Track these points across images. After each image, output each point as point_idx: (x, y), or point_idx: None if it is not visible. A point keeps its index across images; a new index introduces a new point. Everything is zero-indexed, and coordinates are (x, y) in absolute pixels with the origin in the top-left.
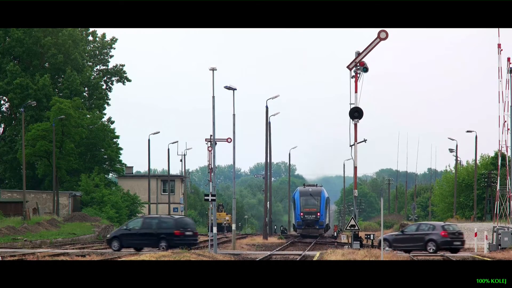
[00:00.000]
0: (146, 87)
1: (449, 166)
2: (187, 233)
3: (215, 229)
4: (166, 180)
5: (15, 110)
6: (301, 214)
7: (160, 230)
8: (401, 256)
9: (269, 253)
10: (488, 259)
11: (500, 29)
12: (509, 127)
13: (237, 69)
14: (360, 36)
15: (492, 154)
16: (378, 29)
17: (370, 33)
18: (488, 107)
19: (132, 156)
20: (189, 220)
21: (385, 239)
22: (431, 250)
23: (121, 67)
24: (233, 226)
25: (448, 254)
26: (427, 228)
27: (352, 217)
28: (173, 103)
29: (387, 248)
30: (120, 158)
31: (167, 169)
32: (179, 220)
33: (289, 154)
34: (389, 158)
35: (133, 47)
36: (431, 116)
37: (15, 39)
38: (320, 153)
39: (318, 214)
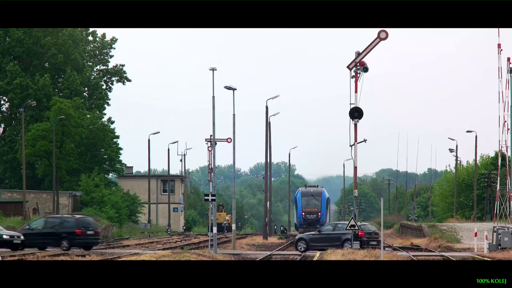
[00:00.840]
0: (146, 87)
1: (449, 166)
2: (89, 232)
3: (215, 229)
4: (166, 180)
5: (15, 110)
6: (303, 213)
7: (62, 229)
8: (401, 256)
9: (269, 253)
10: (488, 259)
11: (500, 29)
12: (509, 127)
13: (237, 69)
14: (360, 36)
15: (492, 154)
16: (378, 29)
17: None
18: (488, 107)
19: (132, 156)
20: (90, 219)
21: (302, 239)
22: (347, 248)
23: (121, 67)
24: (233, 226)
25: (447, 254)
26: (344, 227)
27: (352, 217)
28: (173, 103)
29: (387, 249)
30: (120, 158)
31: (167, 169)
32: (80, 219)
33: (289, 154)
34: (389, 158)
35: (133, 47)
36: (431, 116)
37: (15, 39)
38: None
39: (319, 213)
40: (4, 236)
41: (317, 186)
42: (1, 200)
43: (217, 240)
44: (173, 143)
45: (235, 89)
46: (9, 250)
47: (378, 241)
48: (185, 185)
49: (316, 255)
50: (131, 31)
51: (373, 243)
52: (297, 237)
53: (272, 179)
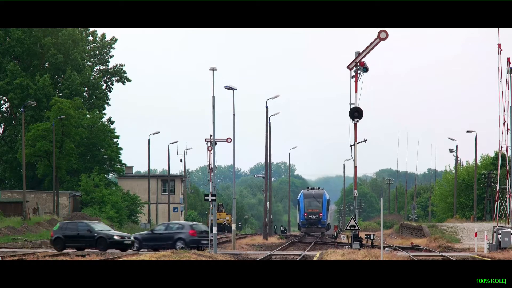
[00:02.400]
0: (146, 87)
1: (449, 166)
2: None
3: (215, 229)
4: (166, 180)
5: (15, 110)
6: (305, 214)
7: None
8: (401, 256)
9: (269, 253)
10: (488, 259)
11: (500, 29)
12: (509, 127)
13: (237, 69)
14: (360, 36)
15: (492, 154)
16: (378, 29)
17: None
18: (488, 107)
19: (132, 156)
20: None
21: (136, 238)
22: (178, 248)
23: (121, 67)
24: (233, 226)
25: (447, 254)
26: (176, 227)
27: (352, 217)
28: (173, 103)
29: (387, 249)
30: (120, 158)
31: (167, 169)
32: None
33: (289, 154)
34: (389, 158)
35: (133, 47)
36: (431, 116)
37: (15, 39)
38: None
39: (320, 214)
40: (115, 237)
41: (319, 188)
42: (1, 200)
43: (217, 240)
44: (173, 143)
45: (235, 89)
46: (118, 251)
47: (210, 240)
48: (185, 185)
49: (316, 255)
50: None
51: (204, 242)
52: (132, 237)
53: (272, 179)
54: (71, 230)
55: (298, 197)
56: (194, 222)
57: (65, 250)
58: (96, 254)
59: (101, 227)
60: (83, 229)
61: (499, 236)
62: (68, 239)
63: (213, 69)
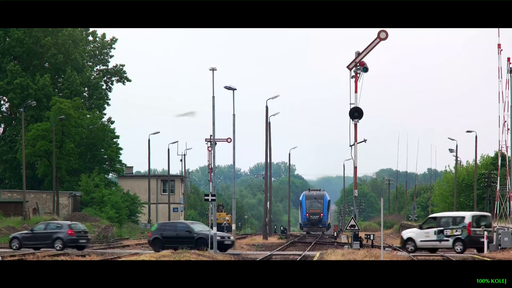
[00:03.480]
0: (146, 87)
1: (449, 166)
2: None
3: (215, 229)
4: (166, 180)
5: (15, 110)
6: (307, 214)
7: None
8: (401, 256)
9: (269, 253)
10: (488, 259)
11: (500, 29)
12: (509, 127)
13: (237, 69)
14: (360, 36)
15: (492, 154)
16: (378, 29)
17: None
18: (488, 107)
19: (132, 156)
20: None
21: (15, 237)
22: (58, 248)
23: (121, 67)
24: (233, 226)
25: (447, 254)
26: (55, 226)
27: (352, 217)
28: (173, 103)
29: (387, 249)
30: (120, 158)
31: (167, 169)
32: None
33: (289, 154)
34: (389, 158)
35: (133, 47)
36: (431, 116)
37: (15, 39)
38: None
39: (321, 214)
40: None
41: (319, 189)
42: (1, 200)
43: None
44: (173, 143)
45: (235, 89)
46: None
47: (88, 239)
48: (185, 185)
49: (316, 255)
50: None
51: (82, 241)
52: (11, 236)
53: (272, 179)
54: (170, 230)
55: (300, 198)
56: (73, 222)
57: (65, 250)
58: (96, 254)
59: (200, 227)
60: (182, 230)
61: (499, 236)
62: (166, 240)
63: (213, 69)
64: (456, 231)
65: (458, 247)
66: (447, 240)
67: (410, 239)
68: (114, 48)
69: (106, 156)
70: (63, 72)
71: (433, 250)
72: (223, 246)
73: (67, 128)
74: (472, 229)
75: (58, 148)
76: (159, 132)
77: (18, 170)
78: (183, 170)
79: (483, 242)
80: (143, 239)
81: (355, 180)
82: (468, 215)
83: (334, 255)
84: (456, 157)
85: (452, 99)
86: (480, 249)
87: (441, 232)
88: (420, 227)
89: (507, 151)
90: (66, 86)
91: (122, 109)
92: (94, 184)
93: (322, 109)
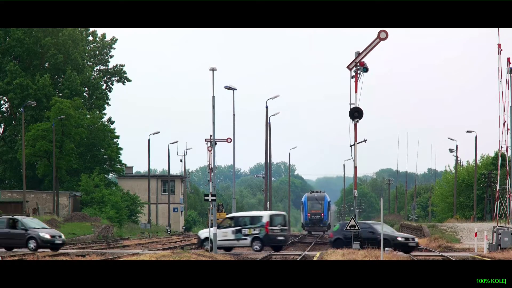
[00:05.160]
0: (146, 87)
1: (449, 166)
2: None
3: (215, 229)
4: (166, 180)
5: (15, 110)
6: (308, 215)
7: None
8: (401, 256)
9: (269, 253)
10: (488, 259)
11: (500, 29)
12: (509, 127)
13: (237, 69)
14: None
15: (492, 154)
16: (378, 29)
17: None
18: (488, 107)
19: (132, 156)
20: None
21: None
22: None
23: (121, 67)
24: None
25: (447, 254)
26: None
27: (352, 217)
28: (173, 103)
29: (387, 249)
30: (120, 158)
31: (167, 169)
32: None
33: (289, 154)
34: (389, 158)
35: (133, 47)
36: (431, 116)
37: (15, 39)
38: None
39: (322, 215)
40: (399, 239)
41: (320, 191)
42: (1, 200)
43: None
44: (173, 143)
45: (235, 89)
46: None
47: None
48: (185, 185)
49: (316, 255)
50: (131, 31)
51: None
52: None
53: (272, 179)
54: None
55: (302, 200)
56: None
57: (61, 250)
58: (96, 254)
59: (386, 228)
60: (365, 230)
61: (499, 236)
62: (348, 240)
63: (213, 69)
64: (254, 230)
65: (257, 246)
66: (245, 239)
67: (208, 238)
68: (114, 48)
69: (106, 156)
70: (63, 72)
71: (230, 248)
72: (407, 248)
73: (67, 128)
74: (270, 227)
75: (58, 148)
76: (159, 132)
77: (18, 170)
78: (183, 170)
79: (280, 240)
80: (143, 239)
81: (355, 180)
82: (266, 215)
83: (334, 255)
84: (456, 157)
85: (452, 99)
86: (277, 248)
87: (239, 231)
88: (218, 227)
89: (507, 151)
90: (66, 86)
91: (122, 109)
92: (94, 184)
93: (322, 109)
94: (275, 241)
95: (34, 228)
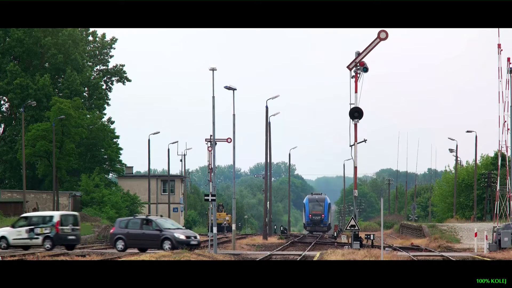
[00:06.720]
0: (146, 87)
1: (449, 166)
2: None
3: (215, 229)
4: (166, 180)
5: (15, 110)
6: (310, 215)
7: None
8: (401, 256)
9: (269, 253)
10: (488, 259)
11: (500, 29)
12: (509, 127)
13: (237, 69)
14: (360, 36)
15: (492, 154)
16: (378, 29)
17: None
18: (488, 107)
19: (132, 156)
20: None
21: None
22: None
23: (121, 67)
24: (233, 226)
25: (447, 254)
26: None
27: (352, 217)
28: (173, 103)
29: (387, 249)
30: (120, 158)
31: (167, 169)
32: None
33: (289, 154)
34: (389, 158)
35: (133, 47)
36: (431, 116)
37: (15, 39)
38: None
39: (323, 215)
40: None
41: (321, 193)
42: (1, 200)
43: (217, 240)
44: (173, 143)
45: (235, 89)
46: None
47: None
48: (185, 185)
49: (316, 255)
50: (131, 31)
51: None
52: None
53: (272, 179)
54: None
55: (304, 201)
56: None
57: (60, 250)
58: (96, 254)
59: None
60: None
61: (499, 236)
62: None
63: (213, 69)
64: (46, 229)
65: (48, 245)
66: (37, 238)
67: (3, 237)
68: (114, 48)
69: (106, 156)
70: (63, 72)
71: (25, 247)
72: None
73: (67, 128)
74: (61, 227)
75: (58, 148)
76: (159, 132)
77: (18, 170)
78: (183, 170)
79: (71, 239)
80: None
81: (355, 180)
82: (56, 215)
83: (334, 255)
84: (456, 157)
85: (452, 99)
86: (70, 247)
87: (31, 230)
88: (13, 226)
89: (507, 151)
90: (66, 86)
91: (122, 109)
92: (94, 184)
93: (322, 109)
94: (66, 240)
95: (169, 228)
